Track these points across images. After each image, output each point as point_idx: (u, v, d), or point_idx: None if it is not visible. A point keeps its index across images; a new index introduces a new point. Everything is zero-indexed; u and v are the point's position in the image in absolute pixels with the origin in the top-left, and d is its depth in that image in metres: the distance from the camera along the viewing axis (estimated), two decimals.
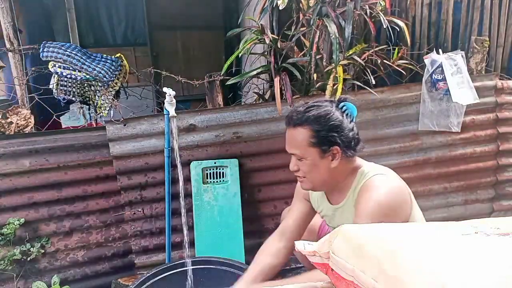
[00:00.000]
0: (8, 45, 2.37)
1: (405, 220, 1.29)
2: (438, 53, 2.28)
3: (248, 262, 1.70)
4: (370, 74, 2.21)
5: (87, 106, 2.31)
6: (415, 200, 1.38)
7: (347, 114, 1.31)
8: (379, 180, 1.29)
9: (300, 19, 2.23)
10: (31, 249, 2.10)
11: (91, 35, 4.97)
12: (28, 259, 2.09)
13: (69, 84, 2.17)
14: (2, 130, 2.14)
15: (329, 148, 1.29)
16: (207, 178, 2.19)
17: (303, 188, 1.42)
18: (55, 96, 2.20)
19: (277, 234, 1.57)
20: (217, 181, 2.20)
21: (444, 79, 2.22)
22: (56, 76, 2.14)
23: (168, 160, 2.02)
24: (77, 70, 2.12)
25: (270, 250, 1.52)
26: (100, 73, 2.13)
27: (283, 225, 1.58)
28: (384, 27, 2.11)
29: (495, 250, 0.67)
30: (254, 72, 2.25)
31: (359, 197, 1.30)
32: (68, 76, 2.12)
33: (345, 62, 2.14)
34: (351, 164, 1.37)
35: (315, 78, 2.27)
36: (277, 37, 2.21)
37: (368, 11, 2.16)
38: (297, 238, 1.55)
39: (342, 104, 1.33)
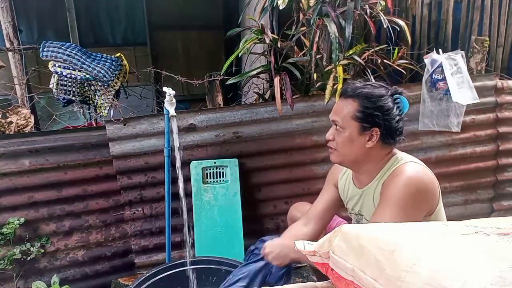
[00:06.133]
0: (8, 44, 2.37)
1: (432, 209, 1.31)
2: (438, 53, 2.28)
3: None
4: (370, 74, 2.21)
5: (87, 106, 2.31)
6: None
7: (398, 106, 1.34)
8: (411, 166, 1.31)
9: (300, 18, 2.22)
10: (31, 248, 2.10)
11: (91, 34, 4.97)
12: (28, 258, 2.09)
13: (69, 84, 2.17)
14: (2, 129, 2.14)
15: (370, 127, 1.31)
16: (207, 177, 2.19)
17: (332, 160, 1.44)
18: (55, 96, 2.20)
19: (304, 219, 1.60)
20: (217, 181, 2.19)
21: (444, 79, 2.21)
22: (56, 75, 2.14)
23: (168, 159, 2.02)
24: (77, 70, 2.12)
25: (296, 233, 1.54)
26: (100, 72, 2.13)
27: (311, 211, 1.61)
28: (385, 26, 2.11)
29: (495, 249, 0.67)
30: (254, 72, 2.25)
31: (388, 181, 1.32)
32: (68, 75, 2.12)
33: (345, 62, 2.13)
34: (386, 151, 1.38)
35: (315, 78, 2.27)
36: (277, 37, 2.21)
37: (368, 11, 2.16)
38: (323, 225, 1.59)
39: (396, 95, 1.35)
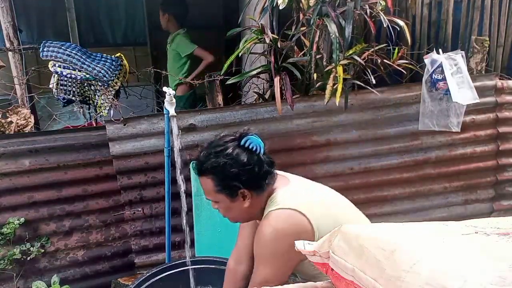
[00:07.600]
0: (8, 44, 2.37)
1: (300, 260, 1.24)
2: (438, 53, 2.27)
3: None
4: (370, 73, 2.21)
5: (87, 106, 2.30)
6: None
7: (252, 148, 1.24)
8: (273, 217, 1.23)
9: (300, 18, 2.22)
10: (31, 248, 2.10)
11: (91, 34, 4.96)
12: (28, 258, 2.09)
13: (69, 84, 2.17)
14: (2, 129, 2.14)
15: (236, 193, 1.26)
16: None
17: (231, 221, 1.41)
18: (55, 96, 2.20)
19: (234, 261, 1.54)
20: None
21: (444, 79, 2.21)
22: (56, 75, 2.14)
23: (168, 159, 2.02)
24: (77, 70, 2.12)
25: (236, 277, 1.51)
26: (100, 72, 2.13)
27: (237, 252, 1.54)
28: (385, 26, 2.11)
29: (495, 249, 0.67)
30: (254, 72, 2.25)
31: (256, 234, 1.29)
32: (68, 75, 2.12)
33: (345, 61, 2.13)
34: (265, 195, 1.31)
35: (315, 78, 2.27)
36: (277, 37, 2.21)
37: (368, 10, 2.16)
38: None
39: (245, 139, 1.25)
